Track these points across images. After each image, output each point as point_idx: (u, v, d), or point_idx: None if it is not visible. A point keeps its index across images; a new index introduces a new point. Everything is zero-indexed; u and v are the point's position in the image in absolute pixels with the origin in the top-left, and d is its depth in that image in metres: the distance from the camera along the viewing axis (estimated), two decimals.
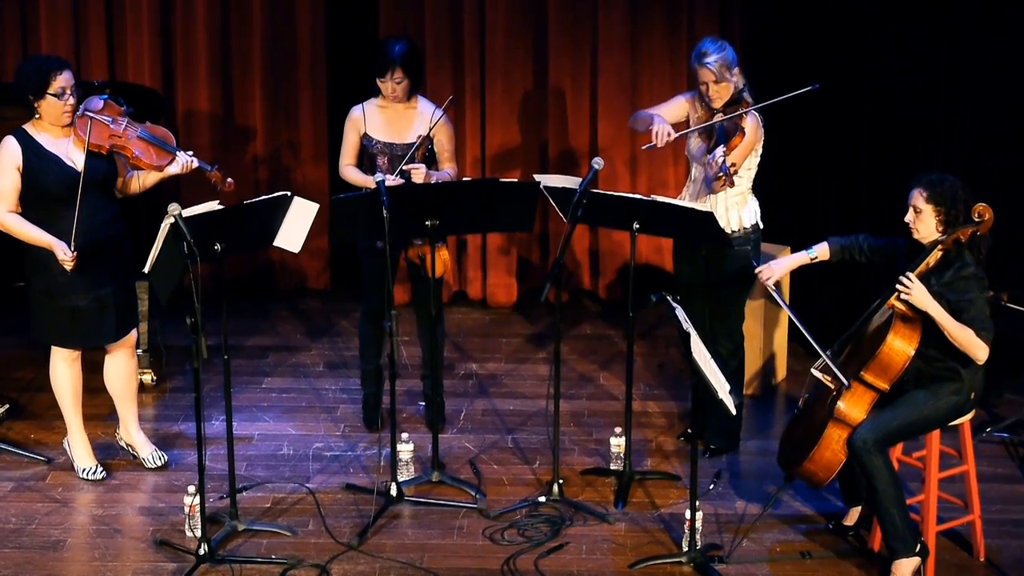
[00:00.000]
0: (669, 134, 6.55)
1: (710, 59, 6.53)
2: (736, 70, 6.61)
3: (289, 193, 6.31)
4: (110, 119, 6.46)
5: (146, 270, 5.99)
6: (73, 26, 8.55)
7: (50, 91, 6.31)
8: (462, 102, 8.61)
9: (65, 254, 6.24)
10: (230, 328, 6.27)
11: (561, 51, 8.57)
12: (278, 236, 6.34)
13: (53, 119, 6.37)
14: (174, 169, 6.52)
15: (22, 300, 6.68)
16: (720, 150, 6.44)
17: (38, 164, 6.35)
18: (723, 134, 6.54)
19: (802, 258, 6.27)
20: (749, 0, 8.34)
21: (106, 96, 6.57)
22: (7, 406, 7.35)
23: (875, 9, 7.74)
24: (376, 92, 6.98)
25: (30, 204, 6.38)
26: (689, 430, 7.16)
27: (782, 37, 8.06)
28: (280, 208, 6.29)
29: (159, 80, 8.60)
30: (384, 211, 6.23)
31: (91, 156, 6.38)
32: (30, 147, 6.36)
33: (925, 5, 7.63)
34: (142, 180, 6.60)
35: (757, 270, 6.29)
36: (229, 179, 6.60)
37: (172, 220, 5.86)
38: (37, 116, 6.38)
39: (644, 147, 6.65)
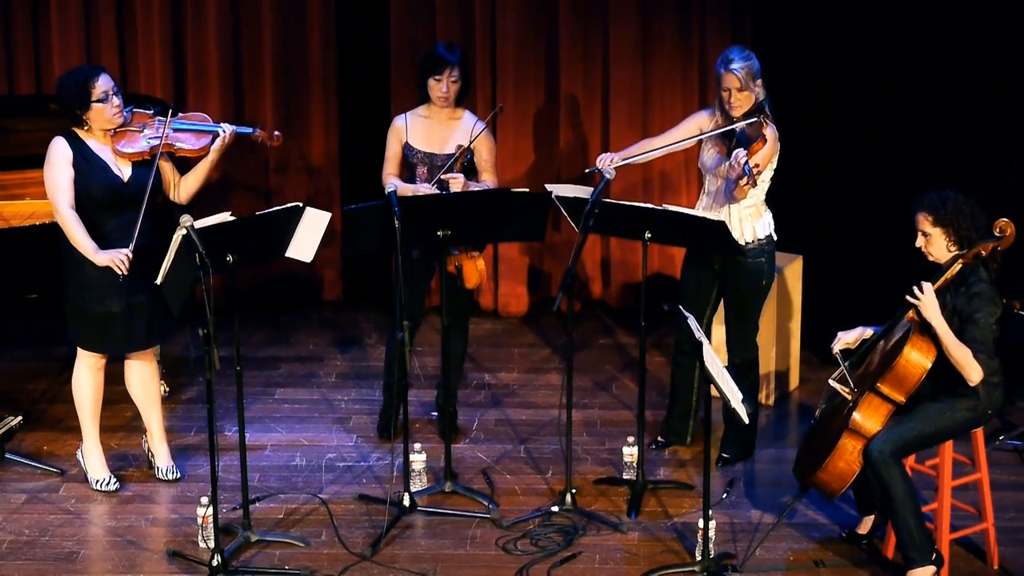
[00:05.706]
0: (611, 160, 6.67)
1: (736, 65, 6.52)
2: (760, 82, 6.59)
3: (301, 203, 6.32)
4: (141, 126, 6.48)
5: (158, 282, 6.00)
6: (85, 38, 8.56)
7: (93, 98, 6.35)
8: (473, 111, 8.59)
9: (123, 263, 6.26)
10: (243, 339, 6.27)
11: (573, 60, 8.56)
12: (290, 247, 6.35)
13: (104, 123, 6.41)
14: (218, 146, 6.52)
15: (34, 312, 6.68)
16: (742, 151, 6.41)
17: (86, 167, 6.38)
18: (744, 139, 6.52)
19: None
20: (761, 11, 8.33)
21: (131, 108, 6.57)
22: (20, 418, 7.36)
23: (888, 19, 7.72)
24: (424, 100, 6.98)
25: (75, 208, 6.40)
26: (660, 438, 7.20)
27: (794, 48, 8.04)
28: (292, 219, 6.30)
29: (170, 91, 8.60)
30: (395, 221, 6.24)
31: (136, 165, 6.43)
32: (79, 149, 6.40)
33: (938, 14, 7.61)
34: (193, 179, 6.59)
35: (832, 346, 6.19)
36: (276, 132, 6.53)
37: (184, 231, 5.87)
38: (87, 127, 6.42)
39: (586, 171, 6.77)
